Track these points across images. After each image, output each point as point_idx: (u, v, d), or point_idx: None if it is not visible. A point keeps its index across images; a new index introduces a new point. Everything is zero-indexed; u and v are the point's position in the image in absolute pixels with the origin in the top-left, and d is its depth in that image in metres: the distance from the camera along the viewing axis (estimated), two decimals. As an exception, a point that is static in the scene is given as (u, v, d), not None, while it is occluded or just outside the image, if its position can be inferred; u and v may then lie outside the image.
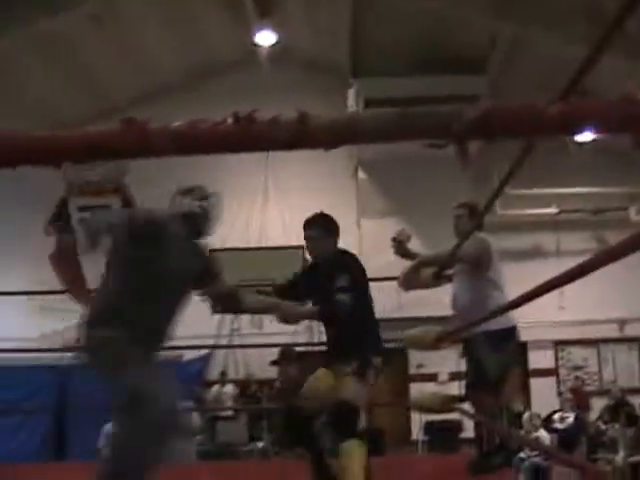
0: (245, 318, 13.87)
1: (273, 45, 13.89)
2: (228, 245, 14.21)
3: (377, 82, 12.96)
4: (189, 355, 13.40)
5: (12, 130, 1.48)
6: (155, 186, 15.36)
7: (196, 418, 8.34)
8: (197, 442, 8.10)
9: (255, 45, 13.96)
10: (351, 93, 13.58)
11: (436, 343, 4.97)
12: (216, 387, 13.57)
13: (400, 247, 5.11)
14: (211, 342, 13.60)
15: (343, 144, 1.41)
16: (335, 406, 4.31)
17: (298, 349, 14.22)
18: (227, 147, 1.44)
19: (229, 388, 13.62)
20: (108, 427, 8.48)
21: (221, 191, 14.55)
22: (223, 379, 13.70)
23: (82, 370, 11.64)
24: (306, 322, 14.64)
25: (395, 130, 1.40)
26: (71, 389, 11.85)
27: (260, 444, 10.60)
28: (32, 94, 14.07)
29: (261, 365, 13.75)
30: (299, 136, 1.38)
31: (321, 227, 4.81)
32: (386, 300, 13.10)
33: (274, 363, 6.76)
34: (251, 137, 1.41)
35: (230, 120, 1.39)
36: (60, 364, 11.79)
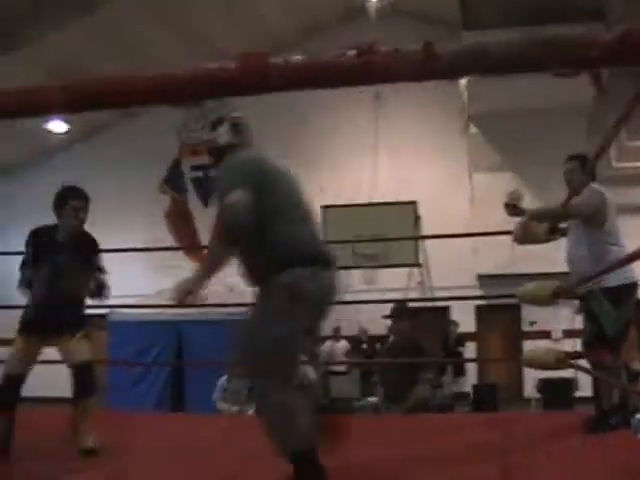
0: (357, 274, 13.95)
1: (381, -2, 13.72)
2: (340, 202, 14.30)
3: (488, 34, 12.54)
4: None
5: (131, 72, 1.44)
6: (263, 140, 15.64)
7: (312, 372, 8.35)
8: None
9: (364, -1, 13.82)
10: (462, 46, 13.26)
11: (552, 299, 4.85)
12: (329, 343, 13.71)
13: (513, 210, 4.96)
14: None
15: (470, 74, 1.32)
16: None
17: (410, 305, 14.25)
18: (348, 80, 1.39)
19: (342, 344, 13.75)
20: (223, 380, 8.66)
21: (332, 148, 14.57)
22: (336, 335, 13.81)
23: (197, 325, 11.99)
24: (418, 278, 14.78)
25: (527, 58, 1.30)
26: (187, 343, 12.20)
27: (372, 399, 10.68)
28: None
29: (373, 321, 13.82)
30: (423, 67, 1.31)
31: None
32: (499, 256, 12.95)
33: (387, 317, 6.71)
34: (373, 69, 1.35)
35: (351, 53, 1.33)
36: (177, 319, 12.16)
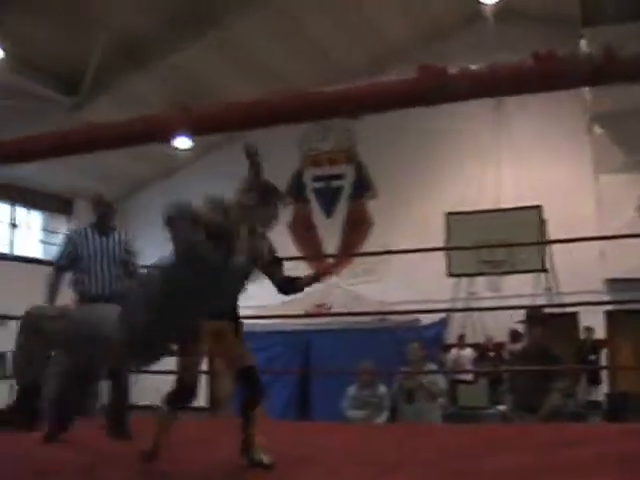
0: (482, 281, 13.78)
1: (498, 2, 13.53)
2: (463, 208, 14.19)
3: (609, 30, 12.14)
4: (426, 319, 13.48)
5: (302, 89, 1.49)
6: (386, 150, 15.72)
7: (441, 381, 8.35)
8: (441, 405, 8.21)
9: (480, 3, 13.66)
10: (583, 44, 12.93)
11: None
12: (454, 351, 13.60)
13: None
14: (447, 306, 13.68)
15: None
16: None
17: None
18: (527, 87, 1.41)
19: (468, 352, 13.62)
20: (352, 388, 8.72)
21: (454, 152, 14.33)
22: (460, 343, 13.70)
23: (324, 334, 12.09)
24: (545, 284, 14.43)
25: None
26: (314, 352, 12.34)
27: (501, 407, 10.53)
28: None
29: (499, 328, 13.63)
30: (602, 71, 1.31)
31: None
32: (628, 259, 12.53)
33: (520, 322, 6.61)
34: (552, 75, 1.37)
35: (529, 60, 1.34)
36: (304, 329, 12.32)
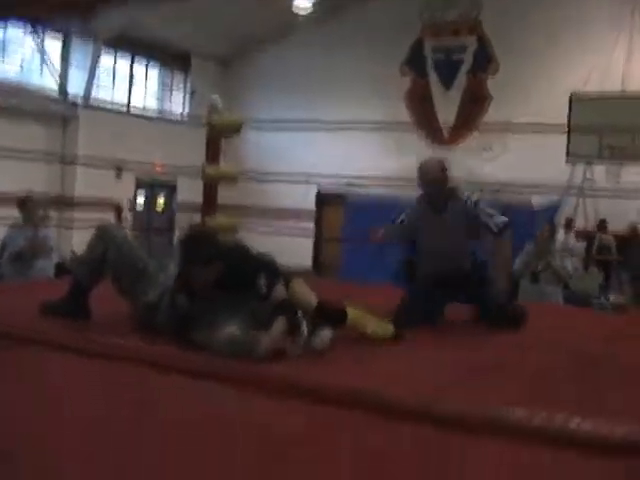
0: (600, 170, 13.31)
1: None
2: (587, 89, 13.58)
3: None
4: (538, 202, 13.20)
5: None
6: (511, 24, 15.05)
7: (569, 265, 8.15)
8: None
9: None
10: None
11: None
12: (562, 231, 13.27)
13: None
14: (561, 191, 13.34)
15: None
16: None
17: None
18: None
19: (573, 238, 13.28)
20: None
21: (582, 32, 13.34)
22: (569, 225, 13.34)
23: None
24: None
25: None
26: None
27: (612, 296, 10.42)
28: None
29: (613, 219, 13.30)
30: None
31: None
32: None
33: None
34: None
35: None
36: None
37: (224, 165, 6.92)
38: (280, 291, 3.48)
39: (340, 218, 14.44)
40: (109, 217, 15.00)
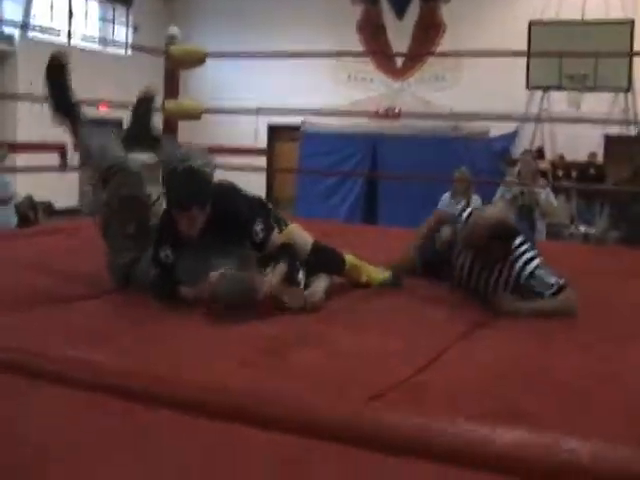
0: (560, 98, 13.11)
1: None
2: (546, 16, 13.28)
3: None
4: (495, 131, 13.02)
5: None
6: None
7: (553, 199, 7.83)
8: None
9: None
10: None
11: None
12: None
13: None
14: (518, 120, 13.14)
15: None
16: None
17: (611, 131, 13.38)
18: None
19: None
20: (445, 198, 7.86)
21: None
22: (539, 155, 13.18)
23: (392, 139, 11.81)
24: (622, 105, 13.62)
25: None
26: (382, 157, 12.08)
27: (585, 228, 10.38)
28: None
29: (572, 148, 13.21)
30: None
31: None
32: None
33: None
34: None
35: None
36: (372, 132, 12.01)
37: (186, 100, 6.51)
38: (276, 238, 3.19)
39: (292, 152, 14.12)
40: (53, 159, 14.47)
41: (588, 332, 2.94)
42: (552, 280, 3.19)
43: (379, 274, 3.57)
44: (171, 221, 3.13)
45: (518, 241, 3.28)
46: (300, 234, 3.31)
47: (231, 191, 3.35)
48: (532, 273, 3.21)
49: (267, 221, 3.20)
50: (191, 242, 3.13)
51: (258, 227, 3.13)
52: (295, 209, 12.58)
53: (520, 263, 3.23)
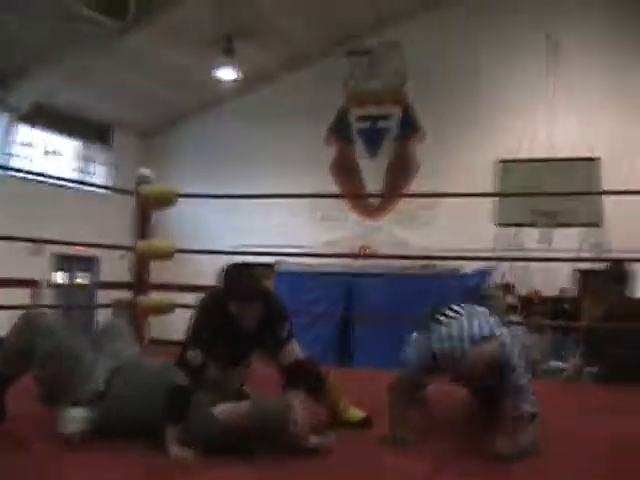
0: (530, 233, 13.33)
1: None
2: (519, 156, 13.68)
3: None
4: (469, 268, 13.12)
5: None
6: (435, 92, 15.18)
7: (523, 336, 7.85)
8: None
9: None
10: None
11: None
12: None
13: None
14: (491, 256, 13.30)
15: None
16: None
17: (583, 266, 13.54)
18: None
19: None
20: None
21: (506, 97, 13.54)
22: (508, 291, 13.27)
23: (366, 277, 11.80)
24: (592, 240, 13.93)
25: None
26: (356, 295, 12.06)
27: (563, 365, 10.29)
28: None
29: (546, 283, 13.30)
30: None
31: None
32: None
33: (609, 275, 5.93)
34: None
35: None
36: (346, 271, 12.04)
37: (158, 241, 6.48)
38: (297, 348, 3.37)
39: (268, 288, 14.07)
40: (25, 294, 14.31)
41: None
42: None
43: (356, 412, 3.49)
44: (210, 320, 3.23)
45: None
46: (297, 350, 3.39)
47: (273, 294, 3.53)
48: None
49: (290, 329, 3.35)
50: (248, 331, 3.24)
51: (284, 331, 3.30)
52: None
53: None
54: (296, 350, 3.35)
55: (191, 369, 3.05)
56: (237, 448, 2.89)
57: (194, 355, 3.07)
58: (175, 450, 2.89)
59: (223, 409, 2.94)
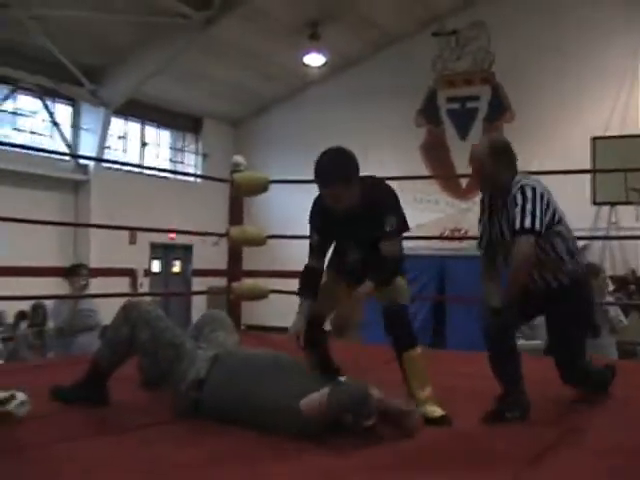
0: (626, 211, 12.97)
1: None
2: (607, 132, 13.34)
3: None
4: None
5: None
6: (524, 71, 14.88)
7: (622, 315, 7.61)
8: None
9: None
10: None
11: None
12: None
13: None
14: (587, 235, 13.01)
15: None
16: None
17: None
18: None
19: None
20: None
21: (596, 74, 13.10)
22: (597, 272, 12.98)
23: (459, 259, 11.70)
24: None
25: None
26: (450, 279, 11.94)
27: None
28: None
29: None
30: None
31: None
32: None
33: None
34: None
35: None
36: (439, 254, 11.95)
37: (250, 227, 6.60)
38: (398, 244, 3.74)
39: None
40: (124, 283, 14.73)
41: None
42: None
43: (435, 408, 3.42)
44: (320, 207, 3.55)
45: None
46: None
47: (384, 183, 3.63)
48: None
49: (400, 222, 3.56)
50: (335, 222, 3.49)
51: (390, 221, 3.46)
52: (362, 334, 12.47)
53: None
54: (391, 249, 3.52)
55: (311, 247, 3.63)
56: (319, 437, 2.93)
57: (311, 237, 3.63)
58: (295, 320, 3.46)
59: (305, 402, 2.96)
